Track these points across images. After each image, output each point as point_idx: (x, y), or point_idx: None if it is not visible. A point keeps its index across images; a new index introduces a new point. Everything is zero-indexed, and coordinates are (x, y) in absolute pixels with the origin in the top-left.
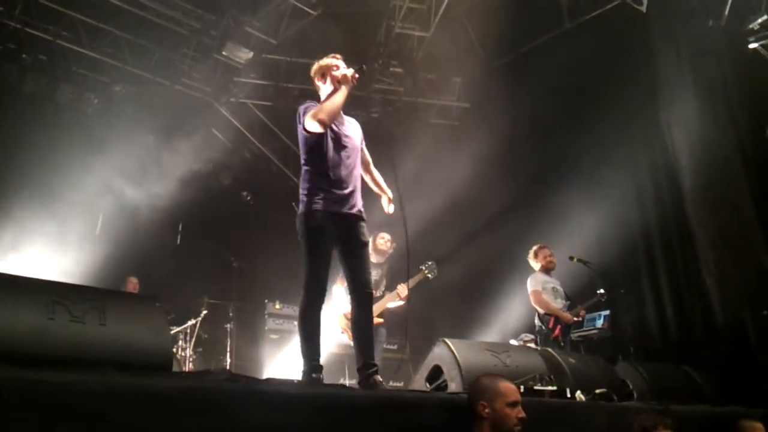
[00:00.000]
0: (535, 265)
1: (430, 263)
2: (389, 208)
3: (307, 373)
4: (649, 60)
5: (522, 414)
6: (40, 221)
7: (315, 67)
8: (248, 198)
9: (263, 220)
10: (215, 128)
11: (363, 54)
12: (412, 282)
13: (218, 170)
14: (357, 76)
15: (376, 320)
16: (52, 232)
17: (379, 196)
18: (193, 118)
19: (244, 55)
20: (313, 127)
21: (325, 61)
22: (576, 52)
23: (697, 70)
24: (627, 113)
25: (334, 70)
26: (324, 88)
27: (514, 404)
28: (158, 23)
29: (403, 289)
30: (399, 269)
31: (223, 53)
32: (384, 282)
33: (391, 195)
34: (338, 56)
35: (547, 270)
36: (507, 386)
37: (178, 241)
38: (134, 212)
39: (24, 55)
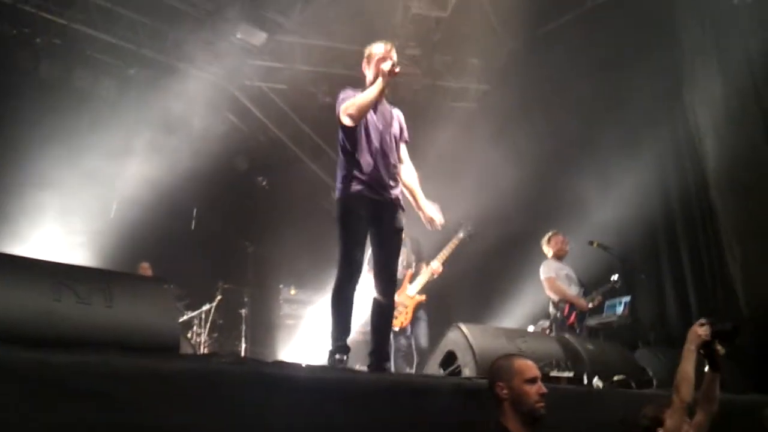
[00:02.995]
0: (548, 251)
1: (463, 223)
2: (429, 224)
3: (332, 353)
4: (673, 39)
5: (543, 390)
6: (54, 205)
7: (366, 50)
8: (263, 183)
9: (279, 205)
10: (230, 112)
11: (379, 35)
12: (447, 251)
13: (233, 155)
14: (397, 70)
15: (419, 298)
16: (66, 216)
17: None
18: (208, 102)
19: (259, 37)
20: (345, 120)
21: (376, 49)
22: (598, 32)
23: (722, 50)
24: (650, 94)
25: (380, 62)
26: (367, 74)
27: (532, 380)
28: (172, 5)
29: (438, 267)
30: (432, 240)
31: (238, 36)
32: (413, 258)
33: (429, 212)
34: (390, 45)
35: (559, 257)
36: (523, 363)
37: (193, 226)
38: (148, 197)
39: (38, 40)
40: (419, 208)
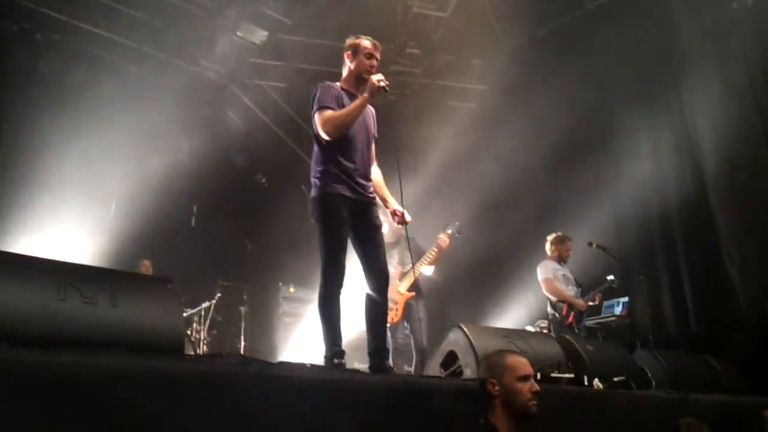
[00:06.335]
0: (551, 251)
1: (449, 223)
2: (398, 219)
3: (329, 358)
4: (672, 42)
5: (536, 387)
6: (53, 204)
7: (350, 41)
8: (263, 180)
9: (278, 203)
10: (230, 110)
11: (379, 35)
12: (432, 253)
13: (233, 152)
14: (385, 88)
15: (408, 294)
16: (65, 215)
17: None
18: (209, 99)
19: (259, 35)
20: (322, 135)
21: (365, 42)
22: (597, 34)
23: (720, 53)
24: (649, 96)
25: (366, 58)
26: (348, 64)
27: (524, 378)
28: (174, 3)
29: (444, 240)
30: (425, 240)
31: (238, 34)
32: (407, 256)
33: (395, 207)
34: (378, 46)
35: (559, 259)
36: (515, 359)
37: (193, 224)
38: (148, 195)
39: (38, 36)
40: (386, 204)
